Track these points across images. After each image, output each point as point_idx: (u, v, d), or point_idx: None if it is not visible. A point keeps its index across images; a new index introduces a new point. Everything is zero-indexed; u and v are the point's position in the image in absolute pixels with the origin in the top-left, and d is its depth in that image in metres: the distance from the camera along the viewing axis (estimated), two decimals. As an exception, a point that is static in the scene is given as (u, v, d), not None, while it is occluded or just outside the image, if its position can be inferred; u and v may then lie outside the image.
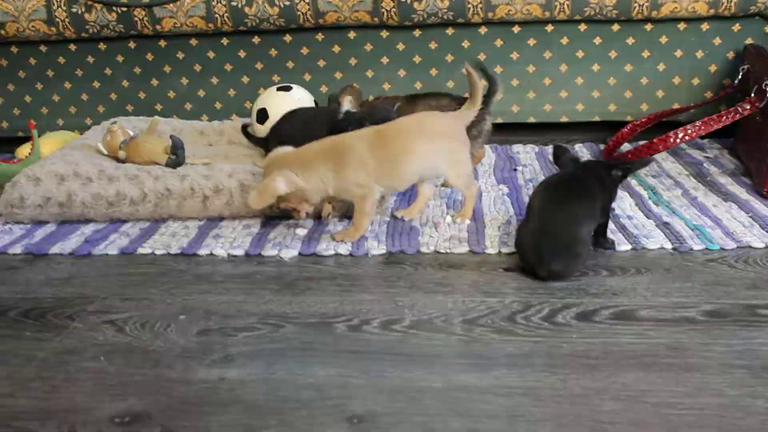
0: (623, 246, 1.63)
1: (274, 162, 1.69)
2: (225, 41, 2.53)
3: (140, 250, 1.74)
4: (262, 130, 2.23)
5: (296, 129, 2.02)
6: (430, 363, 1.22)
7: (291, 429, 1.07)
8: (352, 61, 2.51)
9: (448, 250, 1.66)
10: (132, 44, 2.57)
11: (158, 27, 2.43)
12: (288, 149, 1.73)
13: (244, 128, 2.25)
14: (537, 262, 1.48)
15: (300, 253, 1.68)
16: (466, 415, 1.09)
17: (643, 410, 1.08)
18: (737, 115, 1.97)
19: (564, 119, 2.50)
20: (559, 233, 1.48)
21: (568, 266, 1.48)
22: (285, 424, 1.08)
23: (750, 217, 1.76)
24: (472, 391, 1.14)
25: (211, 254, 1.70)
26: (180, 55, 2.57)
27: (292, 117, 2.07)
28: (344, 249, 1.68)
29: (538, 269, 1.48)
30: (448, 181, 1.84)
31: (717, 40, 2.34)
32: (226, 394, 1.16)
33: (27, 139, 2.46)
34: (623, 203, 1.87)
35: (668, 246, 1.63)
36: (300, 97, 2.26)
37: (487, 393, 1.13)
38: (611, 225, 1.72)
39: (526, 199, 1.72)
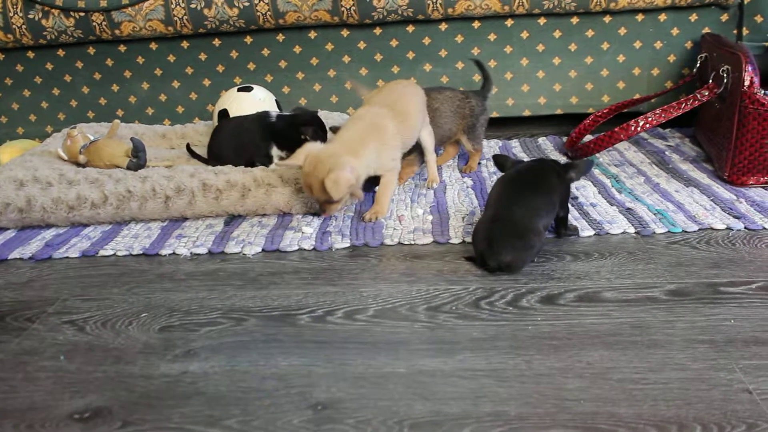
0: (587, 232, 1.64)
1: (324, 157, 1.69)
2: (185, 44, 2.51)
3: (102, 252, 1.71)
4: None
5: (227, 141, 2.06)
6: (394, 350, 1.21)
7: (254, 418, 1.06)
8: (314, 61, 2.50)
9: (413, 242, 1.65)
10: (91, 50, 2.55)
11: (117, 32, 2.41)
12: (319, 145, 1.77)
13: (189, 146, 2.24)
14: (488, 251, 1.46)
15: (263, 250, 1.67)
16: (431, 398, 1.08)
17: (607, 386, 1.08)
18: (696, 102, 1.99)
19: (527, 113, 2.50)
20: (513, 223, 1.46)
21: (519, 257, 1.45)
22: (248, 413, 1.07)
23: (711, 200, 1.77)
24: (436, 375, 1.13)
25: (174, 254, 1.69)
26: (140, 60, 2.55)
27: (219, 132, 2.11)
28: (308, 244, 1.67)
29: (489, 259, 1.45)
30: (423, 142, 1.98)
31: (675, 30, 2.36)
32: (188, 387, 1.14)
33: (-14, 148, 2.43)
34: (586, 191, 1.88)
35: (631, 230, 1.64)
36: (261, 97, 2.25)
37: (452, 376, 1.13)
38: (574, 212, 1.73)
39: (490, 191, 1.72)
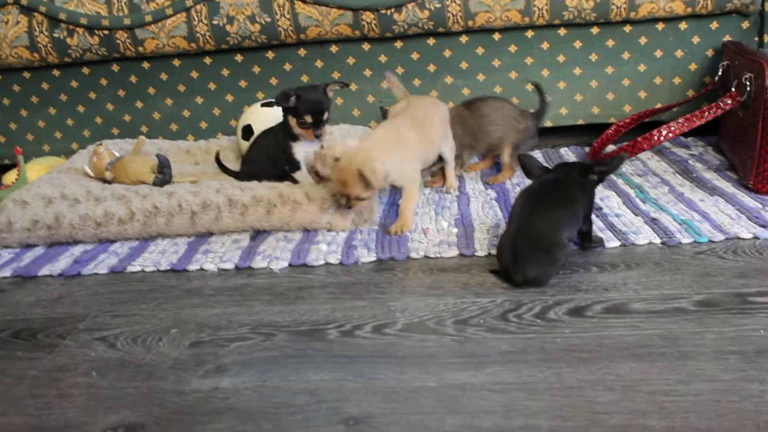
0: (612, 243, 1.64)
1: (358, 152, 1.74)
2: (208, 60, 2.54)
3: (130, 268, 1.73)
4: (246, 147, 2.23)
5: (264, 152, 2.09)
6: (423, 363, 1.22)
7: (286, 433, 1.07)
8: (335, 75, 2.52)
9: (438, 255, 1.66)
10: (115, 67, 2.58)
11: (141, 49, 2.44)
12: (353, 143, 1.80)
13: (217, 157, 2.26)
14: (513, 265, 1.45)
15: (290, 264, 1.68)
16: (462, 411, 1.08)
17: (638, 399, 1.08)
18: (719, 110, 1.98)
19: (548, 124, 2.50)
20: (537, 236, 1.45)
21: (545, 272, 1.45)
22: (280, 429, 1.08)
23: (737, 209, 1.76)
24: (467, 389, 1.14)
25: (201, 269, 1.70)
26: (163, 77, 2.58)
27: (256, 146, 2.14)
28: (334, 258, 1.68)
29: (514, 273, 1.45)
30: (444, 155, 2.06)
31: (696, 39, 2.36)
32: (219, 403, 1.16)
33: (13, 166, 2.46)
34: (611, 202, 1.88)
35: (657, 241, 1.63)
36: (284, 112, 2.26)
37: (482, 389, 1.13)
38: (599, 223, 1.73)
39: (514, 202, 1.72)
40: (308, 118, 1.93)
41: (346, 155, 1.74)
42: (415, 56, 2.47)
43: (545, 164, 1.75)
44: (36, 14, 2.41)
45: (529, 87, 2.29)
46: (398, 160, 1.80)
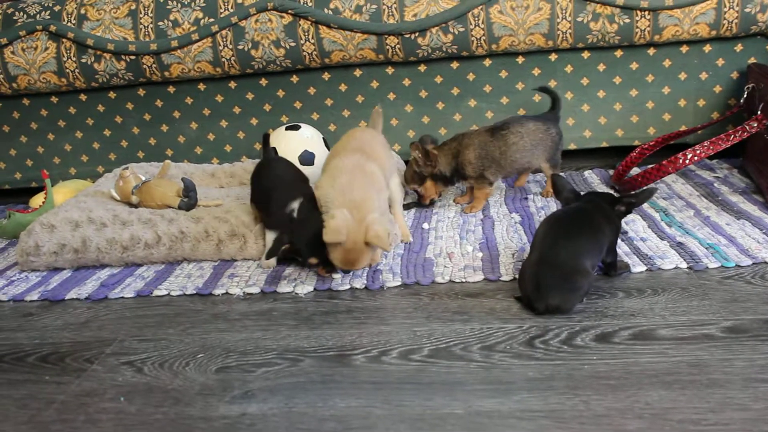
0: (638, 268, 1.63)
1: (357, 226, 1.62)
2: (232, 84, 2.56)
3: (156, 292, 1.74)
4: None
5: None
6: (450, 390, 1.22)
7: (314, 461, 1.07)
8: (359, 99, 2.53)
9: (464, 279, 1.66)
10: (141, 92, 2.60)
11: (167, 73, 2.46)
12: (340, 214, 1.64)
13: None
14: (535, 294, 1.45)
15: (315, 289, 1.69)
16: (490, 439, 1.08)
17: (668, 428, 1.07)
18: (745, 133, 1.98)
19: (572, 146, 2.50)
20: (559, 265, 1.44)
21: (567, 300, 1.44)
22: (308, 456, 1.08)
23: (764, 233, 1.75)
24: (494, 416, 1.13)
25: (227, 293, 1.71)
26: (189, 101, 2.60)
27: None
28: (359, 283, 1.68)
29: (536, 302, 1.45)
30: (391, 193, 1.95)
31: (720, 61, 2.35)
32: (247, 429, 1.16)
33: (40, 189, 2.49)
34: (636, 226, 1.87)
35: (683, 265, 1.62)
36: (309, 135, 2.28)
37: (510, 417, 1.13)
38: (625, 248, 1.72)
39: (539, 226, 1.72)
40: (313, 260, 1.71)
41: (350, 234, 1.61)
42: (438, 80, 2.48)
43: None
44: (64, 40, 2.44)
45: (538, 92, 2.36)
46: (376, 200, 1.72)
